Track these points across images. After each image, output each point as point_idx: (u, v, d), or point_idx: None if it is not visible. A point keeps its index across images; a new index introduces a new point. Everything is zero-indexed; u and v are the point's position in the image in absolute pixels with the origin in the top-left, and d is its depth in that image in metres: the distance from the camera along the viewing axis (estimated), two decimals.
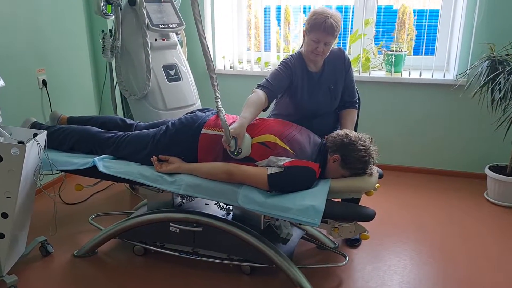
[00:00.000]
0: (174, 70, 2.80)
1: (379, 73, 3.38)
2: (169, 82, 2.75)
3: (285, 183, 1.78)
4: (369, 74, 3.32)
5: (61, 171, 2.04)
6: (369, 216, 1.76)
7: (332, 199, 1.89)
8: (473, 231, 2.54)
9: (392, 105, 3.36)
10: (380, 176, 2.10)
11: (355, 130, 2.46)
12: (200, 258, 2.07)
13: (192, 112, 2.17)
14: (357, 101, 2.33)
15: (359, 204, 2.06)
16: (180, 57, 2.89)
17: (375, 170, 1.91)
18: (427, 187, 3.18)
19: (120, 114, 2.99)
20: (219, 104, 2.00)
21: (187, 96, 2.84)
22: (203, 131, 1.95)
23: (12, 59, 2.67)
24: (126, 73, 2.70)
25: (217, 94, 2.04)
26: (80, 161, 2.01)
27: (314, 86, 2.20)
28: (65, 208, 2.77)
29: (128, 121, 2.32)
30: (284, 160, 1.80)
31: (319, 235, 2.31)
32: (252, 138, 1.89)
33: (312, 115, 2.23)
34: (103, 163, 1.99)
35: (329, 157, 1.89)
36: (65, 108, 3.08)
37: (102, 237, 2.22)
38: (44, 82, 2.93)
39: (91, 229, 2.43)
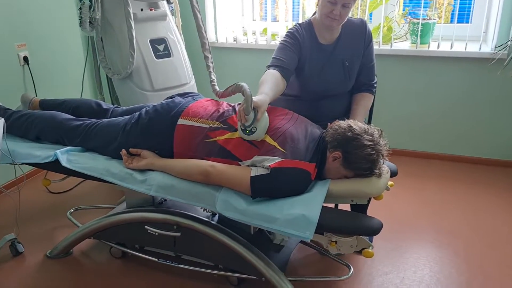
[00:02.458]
0: (164, 44, 2.50)
1: (403, 45, 2.98)
2: (157, 58, 2.46)
3: (271, 187, 1.49)
4: (391, 47, 2.93)
5: (23, 164, 1.82)
6: (372, 230, 1.46)
7: (331, 206, 1.59)
8: (507, 236, 2.19)
9: (416, 83, 2.98)
10: (393, 174, 1.79)
11: (369, 120, 2.14)
12: (181, 266, 1.84)
13: (171, 97, 1.89)
14: (375, 85, 2.00)
15: (367, 209, 1.77)
16: (171, 29, 2.59)
17: (385, 169, 1.59)
18: (454, 178, 2.82)
19: (107, 96, 2.73)
20: (217, 88, 1.73)
21: (178, 74, 2.55)
22: (180, 121, 1.68)
23: None
24: (108, 49, 2.43)
25: (213, 77, 1.77)
26: (42, 153, 1.78)
27: (325, 61, 1.90)
28: (48, 198, 2.58)
29: (105, 105, 2.06)
30: (272, 161, 1.50)
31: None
32: (236, 131, 1.60)
33: (321, 96, 1.93)
34: (68, 156, 1.76)
35: (328, 154, 1.58)
36: (50, 88, 2.87)
37: (74, 238, 2.01)
38: (25, 59, 2.71)
39: (69, 225, 2.22)
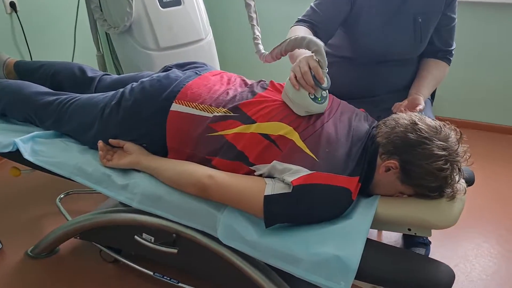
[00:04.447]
0: None
1: None
2: (163, 7, 1.99)
3: (292, 213, 1.07)
4: None
5: None
6: (440, 285, 1.01)
7: (376, 239, 1.15)
8: None
9: (493, 38, 2.35)
10: (470, 183, 1.31)
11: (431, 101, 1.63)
12: (181, 285, 1.49)
13: (167, 69, 1.45)
14: (453, 52, 1.49)
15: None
16: None
17: (461, 188, 1.12)
18: None
19: (107, 54, 2.31)
20: (261, 48, 1.34)
21: (191, 28, 2.08)
22: (174, 106, 1.25)
23: None
24: None
25: (257, 32, 1.38)
26: (3, 140, 1.41)
27: (391, 14, 1.42)
28: (32, 178, 2.13)
29: (90, 71, 1.66)
30: (296, 174, 1.06)
31: None
32: (254, 123, 1.17)
33: (379, 60, 1.47)
34: (33, 145, 1.39)
35: (379, 162, 1.12)
36: (42, 41, 2.47)
37: (58, 236, 1.69)
38: (12, 4, 2.30)
39: (59, 213, 1.91)
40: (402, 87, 1.53)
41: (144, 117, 1.27)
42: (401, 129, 1.10)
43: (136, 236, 1.43)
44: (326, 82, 1.15)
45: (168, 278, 1.51)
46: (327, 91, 1.18)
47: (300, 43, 1.17)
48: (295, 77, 1.15)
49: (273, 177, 1.12)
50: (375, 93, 1.53)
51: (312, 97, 1.14)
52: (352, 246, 1.02)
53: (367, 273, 1.02)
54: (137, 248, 1.51)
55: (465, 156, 1.09)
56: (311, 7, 1.46)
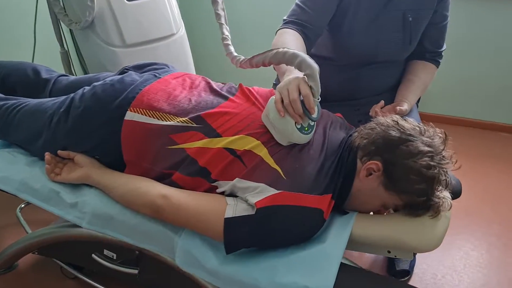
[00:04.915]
0: None
1: None
2: (128, 0, 1.85)
3: (255, 239, 0.95)
4: None
5: None
6: None
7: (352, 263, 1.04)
8: None
9: (476, 32, 2.26)
10: (456, 195, 1.21)
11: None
12: None
13: (124, 71, 1.31)
14: (442, 54, 1.38)
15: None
16: None
17: (446, 202, 1.01)
18: None
19: (73, 51, 2.16)
20: (232, 50, 1.20)
21: (161, 22, 1.94)
22: (129, 115, 1.12)
23: None
24: None
25: (226, 32, 1.26)
26: None
27: (378, 11, 1.30)
28: None
29: (45, 72, 1.52)
30: (261, 194, 0.94)
31: None
32: (219, 137, 1.05)
33: (364, 62, 1.36)
34: None
35: (359, 166, 1.02)
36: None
37: (15, 251, 1.55)
38: None
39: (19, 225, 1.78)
40: (387, 89, 1.42)
41: (95, 127, 1.14)
42: (383, 127, 1.00)
43: (93, 255, 1.32)
44: (316, 113, 1.01)
45: None
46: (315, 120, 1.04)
47: (290, 60, 1.01)
48: (282, 101, 1.00)
49: (236, 196, 1.00)
50: (357, 96, 1.42)
51: (298, 126, 1.00)
52: (323, 275, 0.91)
53: None
54: (97, 266, 1.39)
55: (451, 160, 0.98)
56: (298, 5, 1.31)
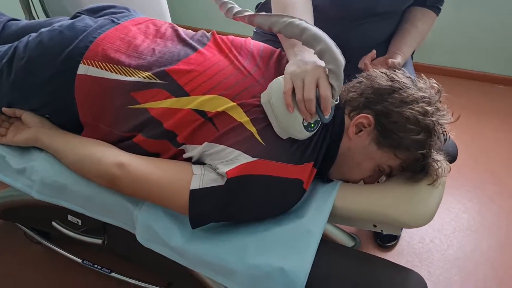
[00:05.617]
0: None
1: None
2: None
3: (224, 210, 0.84)
4: None
5: None
6: None
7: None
8: None
9: None
10: (452, 159, 1.11)
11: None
12: (114, 275, 1.28)
13: (77, 15, 1.14)
14: (443, 0, 1.22)
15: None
16: None
17: (445, 168, 0.90)
18: None
19: None
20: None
21: None
22: (82, 68, 0.96)
23: None
24: None
25: None
26: None
27: None
28: None
29: None
30: (233, 160, 0.82)
31: (334, 233, 1.39)
32: (186, 96, 0.91)
33: (359, 16, 1.19)
34: None
35: (347, 123, 0.91)
36: None
37: None
38: None
39: None
40: (383, 40, 1.26)
41: (43, 81, 0.98)
42: (372, 78, 0.90)
43: (53, 222, 1.21)
44: (330, 114, 0.87)
45: (99, 267, 1.30)
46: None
47: (308, 41, 0.84)
48: (292, 92, 0.84)
49: (204, 164, 0.87)
50: (350, 50, 1.26)
51: (305, 124, 0.85)
52: (300, 255, 0.81)
53: (319, 284, 0.81)
54: (60, 233, 1.29)
55: (447, 116, 0.89)
56: None
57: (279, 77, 0.87)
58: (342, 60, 0.82)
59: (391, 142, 0.87)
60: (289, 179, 0.84)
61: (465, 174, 1.76)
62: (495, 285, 1.35)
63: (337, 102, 0.88)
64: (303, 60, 0.86)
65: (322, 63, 0.84)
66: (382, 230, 0.92)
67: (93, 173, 0.89)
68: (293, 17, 0.86)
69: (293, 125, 0.83)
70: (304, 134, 0.85)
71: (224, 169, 0.82)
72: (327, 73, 0.83)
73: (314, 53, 0.84)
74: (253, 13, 0.93)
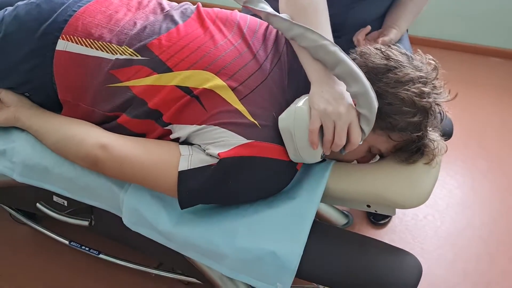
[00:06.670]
0: None
1: None
2: None
3: (216, 195, 0.82)
4: None
5: None
6: (404, 285, 0.81)
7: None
8: None
9: None
10: (447, 136, 1.08)
11: None
12: (102, 257, 1.27)
13: None
14: None
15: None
16: None
17: (440, 145, 0.88)
18: None
19: None
20: None
21: None
22: (61, 44, 0.91)
23: None
24: None
25: None
26: None
27: None
28: None
29: None
30: (227, 143, 0.79)
31: (327, 211, 1.37)
32: (169, 71, 0.86)
33: None
34: None
35: None
36: None
37: None
38: None
39: None
40: (379, 15, 1.22)
41: (20, 58, 0.94)
42: (366, 56, 0.85)
43: (38, 204, 1.18)
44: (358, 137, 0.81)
45: (87, 249, 1.28)
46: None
47: (342, 77, 0.77)
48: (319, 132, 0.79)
49: (191, 144, 0.84)
50: (344, 28, 1.21)
51: (323, 155, 0.82)
52: (292, 238, 0.80)
53: (310, 273, 0.80)
54: (46, 215, 1.26)
55: (445, 94, 0.85)
56: None
57: (301, 102, 0.79)
58: (376, 105, 0.77)
59: (386, 124, 0.84)
60: (283, 161, 0.82)
61: (458, 150, 1.75)
62: (487, 261, 1.35)
63: (361, 142, 0.83)
64: (335, 97, 0.78)
65: (351, 101, 0.78)
66: (376, 210, 0.90)
67: (75, 155, 0.86)
68: (325, 38, 0.78)
69: (312, 158, 0.80)
70: (316, 161, 0.82)
71: (215, 150, 0.79)
72: (359, 116, 0.78)
73: (347, 90, 0.78)
74: (272, 11, 0.85)
